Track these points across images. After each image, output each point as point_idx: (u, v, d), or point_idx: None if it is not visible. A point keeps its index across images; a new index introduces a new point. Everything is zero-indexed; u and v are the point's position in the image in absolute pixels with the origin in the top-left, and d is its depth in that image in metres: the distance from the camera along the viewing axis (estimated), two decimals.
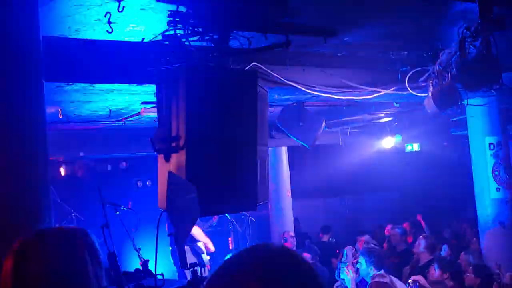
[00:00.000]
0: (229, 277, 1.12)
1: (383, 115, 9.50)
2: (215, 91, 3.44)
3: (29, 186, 2.89)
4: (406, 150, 12.36)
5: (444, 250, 8.19)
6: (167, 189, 3.12)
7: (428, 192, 12.84)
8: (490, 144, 7.23)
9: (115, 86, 5.18)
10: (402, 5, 4.34)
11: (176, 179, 3.17)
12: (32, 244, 1.64)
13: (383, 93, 5.85)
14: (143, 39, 4.34)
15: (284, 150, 10.72)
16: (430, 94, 5.58)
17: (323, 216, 12.26)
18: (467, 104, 5.87)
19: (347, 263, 5.75)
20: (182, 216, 3.10)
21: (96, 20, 4.00)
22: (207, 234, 8.16)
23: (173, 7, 3.57)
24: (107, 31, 3.77)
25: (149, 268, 4.39)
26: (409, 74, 5.74)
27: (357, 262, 5.65)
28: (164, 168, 3.48)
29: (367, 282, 5.36)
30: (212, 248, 7.33)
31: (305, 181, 12.08)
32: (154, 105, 6.16)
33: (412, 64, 5.87)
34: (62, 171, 9.03)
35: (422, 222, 10.11)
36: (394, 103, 7.16)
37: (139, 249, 6.08)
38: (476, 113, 7.25)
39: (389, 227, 9.43)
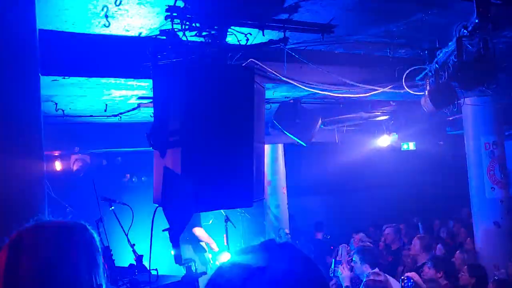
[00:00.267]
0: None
1: (379, 113, 9.51)
2: (212, 86, 3.43)
3: (24, 179, 2.88)
4: (402, 149, 12.39)
5: (439, 249, 8.20)
6: (162, 185, 3.12)
7: (423, 191, 12.88)
8: (485, 143, 7.24)
9: (112, 80, 5.15)
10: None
11: (172, 175, 3.16)
12: (27, 236, 1.63)
13: (380, 91, 5.85)
14: (140, 33, 4.34)
15: (280, 147, 10.74)
16: (426, 93, 5.60)
17: (319, 213, 12.27)
18: (464, 103, 5.88)
19: (342, 261, 5.77)
20: (177, 211, 3.09)
21: (93, 14, 3.99)
22: None
23: (170, 2, 3.56)
24: (104, 25, 3.76)
25: (143, 263, 4.39)
26: (406, 72, 5.74)
27: (352, 259, 5.67)
28: (160, 164, 3.47)
29: (361, 280, 5.36)
30: (215, 248, 7.33)
31: (300, 178, 12.09)
32: (150, 100, 6.14)
33: (409, 62, 5.87)
34: (58, 166, 8.97)
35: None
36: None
37: (134, 244, 6.06)
38: (472, 112, 7.27)
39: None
